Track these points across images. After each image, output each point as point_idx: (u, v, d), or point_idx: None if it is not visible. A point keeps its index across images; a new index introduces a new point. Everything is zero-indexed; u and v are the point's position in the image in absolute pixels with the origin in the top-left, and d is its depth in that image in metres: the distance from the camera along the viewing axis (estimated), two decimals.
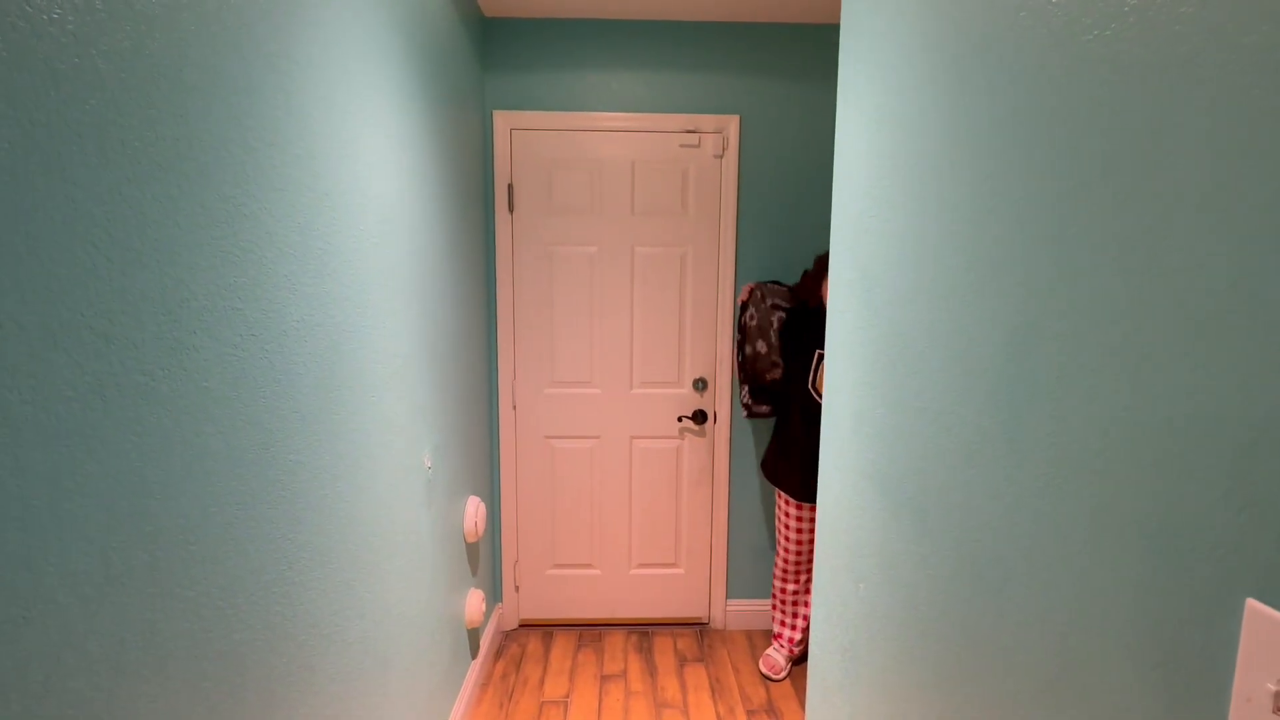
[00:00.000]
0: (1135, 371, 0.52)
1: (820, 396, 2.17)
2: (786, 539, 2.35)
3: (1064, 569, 0.61)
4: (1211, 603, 0.46)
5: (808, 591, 2.37)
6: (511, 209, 2.50)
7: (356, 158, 1.29)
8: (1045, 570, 0.63)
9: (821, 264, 2.17)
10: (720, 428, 2.62)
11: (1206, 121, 0.46)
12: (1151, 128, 0.51)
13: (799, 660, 2.48)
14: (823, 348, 2.13)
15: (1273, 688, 0.40)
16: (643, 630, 2.72)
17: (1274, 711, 0.40)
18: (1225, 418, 0.45)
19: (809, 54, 2.46)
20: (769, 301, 2.31)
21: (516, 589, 2.70)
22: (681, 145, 2.48)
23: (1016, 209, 0.67)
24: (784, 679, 2.41)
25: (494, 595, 2.66)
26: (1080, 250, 0.58)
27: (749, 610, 2.72)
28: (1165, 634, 0.49)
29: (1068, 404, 0.60)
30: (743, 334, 2.38)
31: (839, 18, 2.25)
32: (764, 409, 2.42)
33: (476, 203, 2.36)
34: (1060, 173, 0.61)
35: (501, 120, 2.44)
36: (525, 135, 2.47)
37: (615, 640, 2.64)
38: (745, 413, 2.43)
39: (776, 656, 2.44)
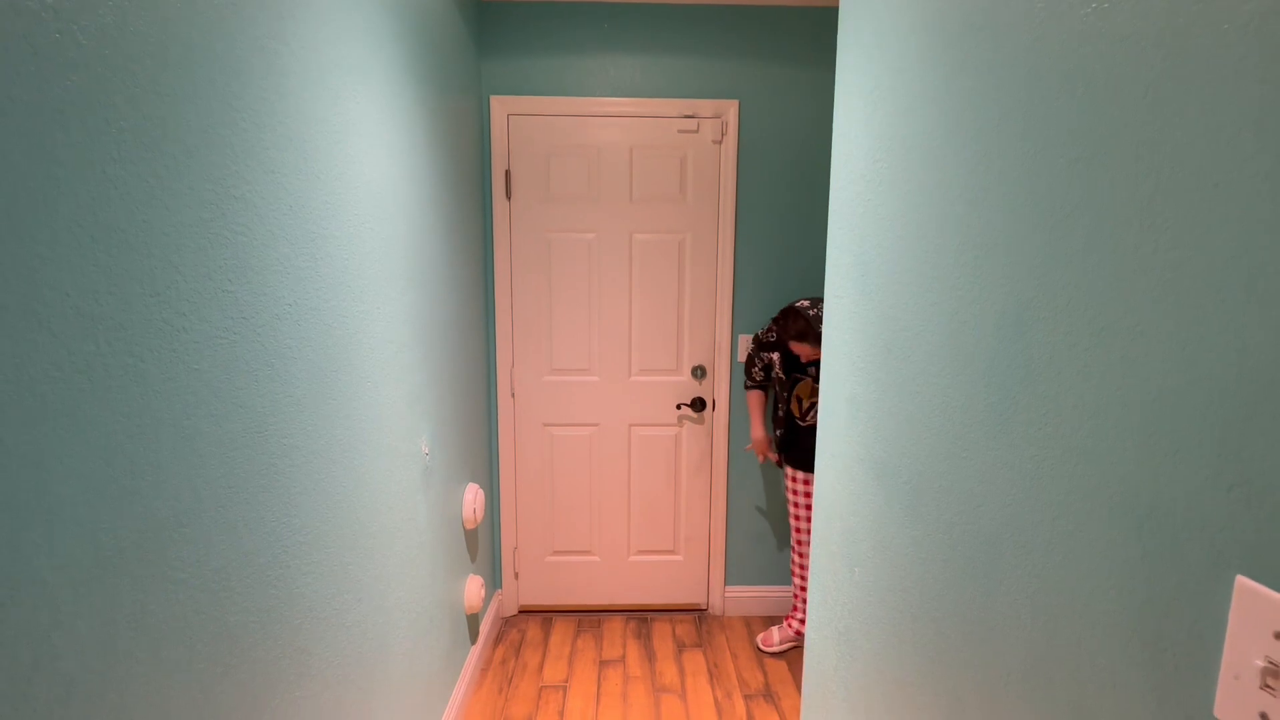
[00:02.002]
0: (1126, 352, 0.52)
1: (800, 418, 2.32)
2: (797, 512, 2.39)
3: (1054, 550, 0.60)
4: (1201, 581, 0.45)
5: None
6: (509, 195, 2.48)
7: (348, 141, 1.27)
8: (1036, 551, 0.63)
9: (784, 326, 2.25)
10: (719, 415, 2.62)
11: (1203, 95, 0.45)
12: (1147, 103, 0.50)
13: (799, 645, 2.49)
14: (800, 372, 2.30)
15: (1260, 664, 0.40)
16: (641, 616, 2.73)
17: (1261, 687, 0.40)
18: (1215, 396, 0.44)
19: (808, 37, 2.43)
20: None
21: (516, 575, 2.71)
22: (680, 131, 2.46)
23: (1010, 190, 0.66)
24: (773, 653, 2.46)
25: (493, 582, 2.67)
26: (1073, 231, 0.57)
27: (747, 596, 2.73)
28: (1154, 613, 0.49)
29: (1059, 385, 0.59)
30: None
31: (838, 0, 2.21)
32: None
33: (474, 189, 2.35)
34: (1055, 153, 0.60)
35: (498, 106, 2.42)
36: (522, 121, 2.45)
37: (614, 626, 2.66)
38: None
39: (774, 632, 2.49)
